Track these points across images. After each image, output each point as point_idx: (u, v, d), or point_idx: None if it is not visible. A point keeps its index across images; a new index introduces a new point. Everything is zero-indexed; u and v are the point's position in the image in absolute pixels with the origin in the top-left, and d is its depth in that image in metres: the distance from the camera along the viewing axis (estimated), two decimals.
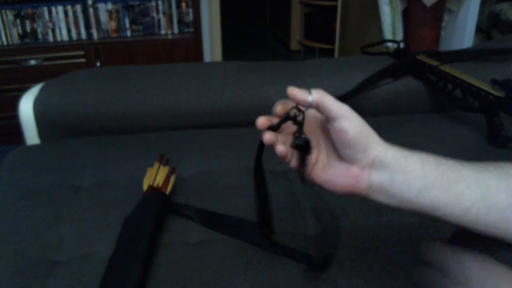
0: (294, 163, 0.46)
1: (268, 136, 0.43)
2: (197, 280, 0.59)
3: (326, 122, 0.44)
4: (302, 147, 0.44)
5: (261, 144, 0.46)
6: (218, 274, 0.60)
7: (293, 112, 0.44)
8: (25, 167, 0.86)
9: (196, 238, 0.67)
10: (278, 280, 0.59)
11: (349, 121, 0.43)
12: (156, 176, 0.75)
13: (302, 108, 0.44)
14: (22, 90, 1.02)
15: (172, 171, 0.78)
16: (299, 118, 0.44)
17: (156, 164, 0.78)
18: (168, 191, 0.74)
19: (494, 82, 0.91)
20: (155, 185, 0.73)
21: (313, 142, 0.46)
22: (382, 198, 0.44)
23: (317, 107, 0.43)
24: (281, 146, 0.44)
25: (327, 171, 0.46)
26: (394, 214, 0.72)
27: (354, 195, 0.45)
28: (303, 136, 0.44)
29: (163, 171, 0.76)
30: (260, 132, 0.44)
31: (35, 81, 1.07)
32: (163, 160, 0.79)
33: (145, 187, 0.74)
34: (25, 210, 0.73)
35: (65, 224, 0.70)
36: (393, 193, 0.43)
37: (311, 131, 0.46)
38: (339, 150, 0.45)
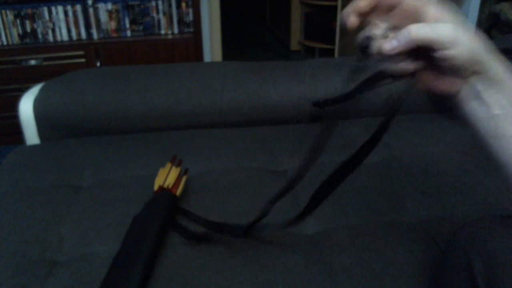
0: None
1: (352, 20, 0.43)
2: (197, 280, 0.59)
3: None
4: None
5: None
6: (218, 274, 0.60)
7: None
8: (25, 167, 0.86)
9: None
10: (278, 280, 0.59)
11: (455, 49, 0.40)
12: (167, 177, 0.75)
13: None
14: (22, 90, 1.02)
15: (184, 172, 0.78)
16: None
17: (168, 165, 0.77)
18: (178, 192, 0.73)
19: None
20: (165, 186, 0.73)
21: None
22: (474, 107, 0.43)
23: (415, 44, 0.41)
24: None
25: (438, 78, 0.44)
26: (394, 214, 0.72)
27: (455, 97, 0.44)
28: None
29: (174, 172, 0.76)
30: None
31: (35, 81, 1.07)
32: (176, 161, 0.78)
33: (155, 187, 0.74)
34: (25, 210, 0.73)
35: (65, 224, 0.70)
36: (486, 100, 0.42)
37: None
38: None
